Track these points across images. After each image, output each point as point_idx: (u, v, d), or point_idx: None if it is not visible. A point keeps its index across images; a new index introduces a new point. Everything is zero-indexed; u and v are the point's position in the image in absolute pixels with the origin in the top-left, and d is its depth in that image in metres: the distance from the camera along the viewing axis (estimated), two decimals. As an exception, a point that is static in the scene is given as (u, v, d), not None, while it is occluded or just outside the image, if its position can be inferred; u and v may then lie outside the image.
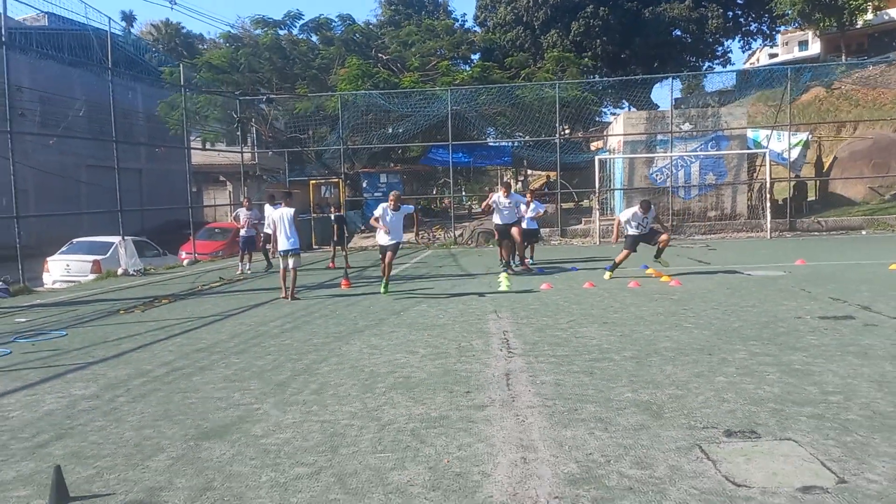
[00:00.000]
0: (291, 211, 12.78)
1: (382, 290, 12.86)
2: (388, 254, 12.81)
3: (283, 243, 12.66)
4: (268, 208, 15.81)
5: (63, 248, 20.77)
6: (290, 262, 12.64)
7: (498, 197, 15.18)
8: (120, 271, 18.94)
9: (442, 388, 6.22)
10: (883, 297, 10.07)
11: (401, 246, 13.40)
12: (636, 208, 13.86)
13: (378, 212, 12.69)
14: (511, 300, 11.48)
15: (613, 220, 27.55)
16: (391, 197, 12.80)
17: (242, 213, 18.51)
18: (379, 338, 8.67)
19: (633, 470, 4.21)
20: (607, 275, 13.89)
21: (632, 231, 13.83)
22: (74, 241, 21.31)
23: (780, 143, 26.65)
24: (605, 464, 4.31)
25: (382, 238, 12.84)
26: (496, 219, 15.30)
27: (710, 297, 10.80)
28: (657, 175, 26.03)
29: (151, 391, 6.52)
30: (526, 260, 16.18)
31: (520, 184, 43.49)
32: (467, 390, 6.10)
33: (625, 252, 13.94)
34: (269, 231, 13.48)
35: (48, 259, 20.19)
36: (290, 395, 6.18)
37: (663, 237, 13.90)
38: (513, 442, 4.77)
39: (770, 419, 5.00)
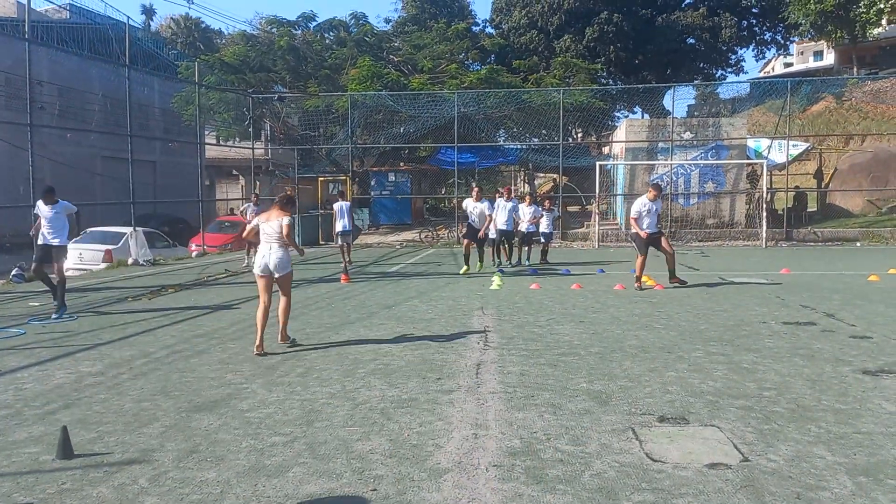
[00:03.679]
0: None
1: None
2: None
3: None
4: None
5: (77, 237, 21.42)
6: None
7: (468, 201, 15.83)
8: (130, 261, 19.60)
9: (416, 374, 6.79)
10: (849, 306, 10.57)
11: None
12: (644, 195, 12.93)
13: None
14: (499, 298, 12.03)
15: (613, 224, 28.14)
16: None
17: (250, 208, 19.07)
18: (368, 329, 9.25)
19: (568, 446, 4.77)
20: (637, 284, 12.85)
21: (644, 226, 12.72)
22: (88, 230, 21.99)
23: (781, 152, 27.14)
24: (545, 441, 4.88)
25: None
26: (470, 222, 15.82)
27: (687, 302, 11.32)
28: (658, 182, 26.45)
29: (152, 370, 7.12)
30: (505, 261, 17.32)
31: (527, 187, 43.99)
32: (439, 377, 6.67)
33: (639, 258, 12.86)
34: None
35: (62, 247, 20.81)
36: (277, 377, 6.76)
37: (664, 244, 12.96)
38: (469, 421, 5.34)
39: (703, 409, 5.55)
